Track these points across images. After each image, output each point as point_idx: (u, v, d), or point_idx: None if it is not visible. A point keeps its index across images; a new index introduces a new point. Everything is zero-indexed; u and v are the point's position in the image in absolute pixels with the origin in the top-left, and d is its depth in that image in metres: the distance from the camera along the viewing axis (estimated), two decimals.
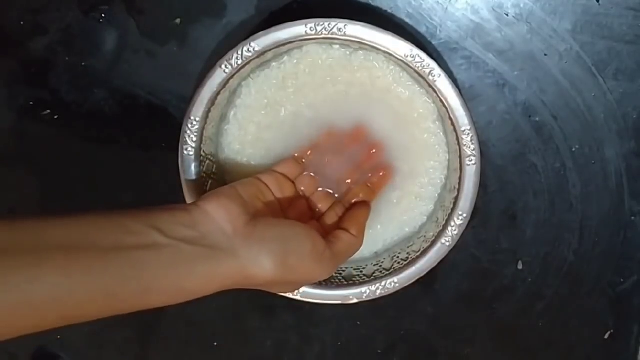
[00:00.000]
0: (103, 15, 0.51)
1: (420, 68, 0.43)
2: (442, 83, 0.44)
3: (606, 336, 0.56)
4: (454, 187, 0.46)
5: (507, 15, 0.50)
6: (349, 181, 0.47)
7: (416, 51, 0.43)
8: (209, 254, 0.34)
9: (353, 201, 0.46)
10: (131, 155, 0.54)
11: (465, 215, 0.46)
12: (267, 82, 0.48)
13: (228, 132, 0.49)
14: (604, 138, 0.52)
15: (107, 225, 0.33)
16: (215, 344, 0.57)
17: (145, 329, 0.57)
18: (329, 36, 0.43)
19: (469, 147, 0.45)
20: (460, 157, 0.45)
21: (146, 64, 0.52)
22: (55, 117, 0.53)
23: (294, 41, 0.44)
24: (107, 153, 0.54)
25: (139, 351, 0.57)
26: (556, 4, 0.50)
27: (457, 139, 0.45)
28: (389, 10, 0.50)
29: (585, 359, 0.56)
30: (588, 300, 0.55)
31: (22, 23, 0.52)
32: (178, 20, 0.51)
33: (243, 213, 0.36)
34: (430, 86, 0.44)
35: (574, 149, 0.52)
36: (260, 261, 0.35)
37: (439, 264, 0.47)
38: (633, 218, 0.53)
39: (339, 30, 0.43)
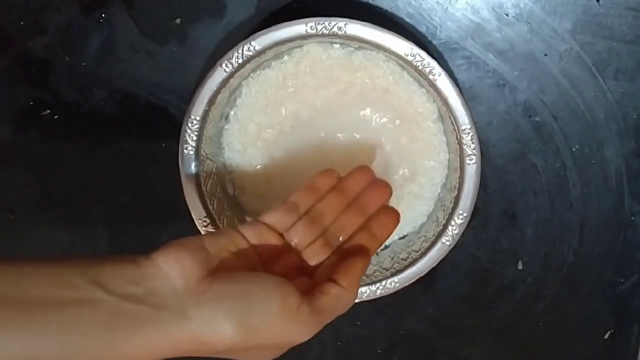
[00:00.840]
0: (103, 15, 0.51)
1: (420, 67, 0.43)
2: (442, 82, 0.44)
3: (606, 336, 0.56)
4: (454, 187, 0.46)
5: (507, 15, 0.50)
6: (350, 227, 0.40)
7: (416, 50, 0.43)
8: (154, 315, 0.30)
9: (348, 246, 0.39)
10: (131, 155, 0.54)
11: (465, 214, 0.46)
12: (267, 81, 0.48)
13: (228, 132, 0.49)
14: (604, 138, 0.52)
15: (43, 274, 0.29)
16: None
17: None
18: (329, 35, 0.43)
19: (469, 147, 0.44)
20: (460, 156, 0.45)
21: (146, 64, 0.52)
22: (55, 117, 0.53)
23: (294, 40, 0.44)
24: (107, 153, 0.54)
25: None
26: (556, 4, 0.50)
27: (457, 138, 0.45)
28: (389, 10, 0.50)
29: (585, 359, 0.56)
30: (588, 300, 0.55)
31: (22, 23, 0.52)
32: (178, 20, 0.51)
33: (198, 267, 0.32)
34: (430, 85, 0.44)
35: (574, 149, 0.52)
36: (216, 324, 0.31)
37: (439, 264, 0.47)
38: (633, 218, 0.53)
39: (339, 29, 0.43)
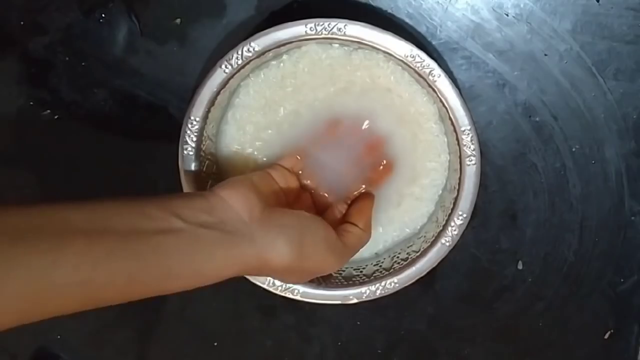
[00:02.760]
0: (103, 15, 0.51)
1: (420, 68, 0.43)
2: (442, 83, 0.44)
3: (606, 336, 0.56)
4: (454, 187, 0.46)
5: (507, 15, 0.50)
6: (349, 176, 0.47)
7: (416, 51, 0.43)
8: (227, 239, 0.34)
9: (355, 193, 0.46)
10: (131, 155, 0.54)
11: (465, 215, 0.46)
12: (266, 81, 0.48)
13: (227, 132, 0.49)
14: (604, 138, 0.52)
15: (126, 210, 0.33)
16: (215, 344, 0.57)
17: (145, 329, 0.57)
18: (329, 36, 0.43)
19: (469, 147, 0.45)
20: (460, 157, 0.45)
21: (146, 64, 0.52)
22: (55, 117, 0.53)
23: (294, 41, 0.44)
24: (107, 153, 0.54)
25: (139, 351, 0.57)
26: (556, 4, 0.50)
27: (457, 139, 0.45)
28: (389, 10, 0.50)
29: (585, 359, 0.56)
30: (588, 300, 0.55)
31: (22, 23, 0.52)
32: (178, 20, 0.51)
33: (259, 201, 0.37)
34: (430, 86, 0.44)
35: (574, 149, 0.52)
36: (277, 246, 0.36)
37: (439, 264, 0.47)
38: (633, 218, 0.53)
39: (339, 30, 0.43)
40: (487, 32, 0.51)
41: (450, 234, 0.46)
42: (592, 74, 0.51)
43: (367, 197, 0.46)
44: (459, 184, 0.45)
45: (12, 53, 0.52)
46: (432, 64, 0.43)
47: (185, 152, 0.46)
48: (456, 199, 0.46)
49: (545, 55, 0.51)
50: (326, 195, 0.46)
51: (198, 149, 0.46)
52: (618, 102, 0.51)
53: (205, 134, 0.46)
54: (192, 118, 0.45)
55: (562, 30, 0.50)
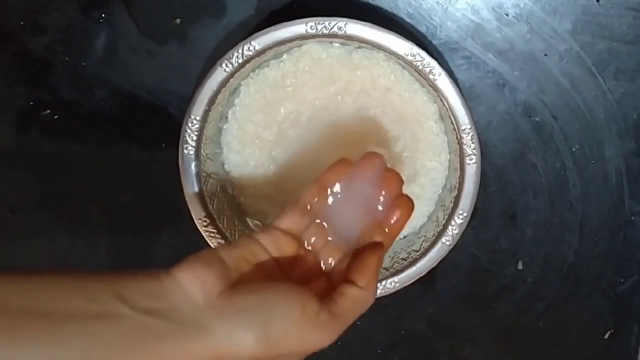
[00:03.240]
0: (103, 15, 0.51)
1: (420, 67, 0.43)
2: (442, 82, 0.44)
3: (606, 336, 0.56)
4: (454, 187, 0.46)
5: (507, 15, 0.50)
6: (361, 224, 0.38)
7: (416, 50, 0.43)
8: (177, 330, 0.30)
9: (362, 243, 0.38)
10: (131, 155, 0.54)
11: (465, 214, 0.46)
12: (266, 80, 0.48)
13: (227, 132, 0.49)
14: (604, 138, 0.52)
15: (65, 288, 0.30)
16: None
17: None
18: (329, 35, 0.43)
19: (470, 146, 0.44)
20: (460, 156, 0.45)
21: (146, 64, 0.52)
22: (55, 117, 0.53)
23: (295, 40, 0.44)
24: (107, 153, 0.54)
25: None
26: (556, 4, 0.50)
27: (457, 138, 0.45)
28: (389, 10, 0.50)
29: (585, 359, 0.56)
30: (588, 300, 0.55)
31: (22, 23, 0.52)
32: (178, 20, 0.51)
33: (218, 282, 0.32)
34: (430, 85, 0.44)
35: (574, 149, 0.52)
36: (237, 336, 0.31)
37: (439, 264, 0.47)
38: (633, 218, 0.53)
39: (339, 29, 0.43)
40: (487, 32, 0.51)
41: (450, 233, 0.46)
42: (592, 74, 0.51)
43: (374, 248, 0.37)
44: (459, 183, 0.45)
45: (12, 53, 0.52)
46: (433, 63, 0.43)
47: (185, 151, 0.46)
48: (457, 198, 0.46)
49: (545, 55, 0.51)
50: (334, 252, 0.38)
51: (198, 148, 0.46)
52: (618, 102, 0.51)
53: (205, 134, 0.46)
54: (192, 117, 0.45)
55: (562, 30, 0.50)
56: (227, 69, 0.44)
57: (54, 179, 0.55)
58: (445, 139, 0.48)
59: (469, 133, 0.44)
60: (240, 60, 0.44)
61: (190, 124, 0.45)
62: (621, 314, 0.55)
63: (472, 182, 0.45)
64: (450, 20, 0.50)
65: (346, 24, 0.43)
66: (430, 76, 0.44)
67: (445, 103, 0.44)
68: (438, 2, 0.50)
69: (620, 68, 0.51)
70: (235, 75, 0.45)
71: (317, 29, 0.43)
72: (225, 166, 0.50)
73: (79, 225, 0.55)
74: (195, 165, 0.46)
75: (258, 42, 0.44)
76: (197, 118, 0.45)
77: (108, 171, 0.54)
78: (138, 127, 0.53)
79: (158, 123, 0.53)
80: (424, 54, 0.43)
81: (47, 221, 0.55)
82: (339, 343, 0.57)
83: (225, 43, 0.51)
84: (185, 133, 0.45)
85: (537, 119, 0.52)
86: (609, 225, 0.54)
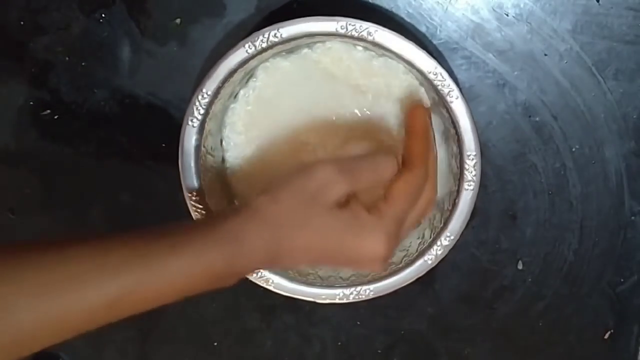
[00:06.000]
0: (103, 15, 0.51)
1: (439, 87, 0.43)
2: (458, 105, 0.44)
3: (606, 336, 0.56)
4: (447, 209, 0.46)
5: (507, 15, 0.50)
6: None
7: (440, 69, 0.43)
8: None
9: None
10: (131, 155, 0.54)
11: (452, 237, 0.46)
12: (281, 70, 0.47)
13: (234, 111, 0.49)
14: (604, 138, 0.52)
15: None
16: (215, 344, 0.57)
17: (145, 329, 0.57)
18: (357, 38, 0.43)
19: (471, 172, 0.44)
20: (459, 180, 0.45)
21: (146, 64, 0.52)
22: (55, 117, 0.53)
23: (322, 35, 0.44)
24: (107, 153, 0.54)
25: (139, 351, 0.57)
26: (556, 4, 0.50)
27: (459, 161, 0.45)
28: (389, 10, 0.50)
29: (585, 359, 0.56)
30: (588, 300, 0.55)
31: (22, 23, 0.52)
32: (178, 20, 0.51)
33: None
34: (444, 106, 0.44)
35: (574, 149, 0.52)
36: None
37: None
38: (633, 218, 0.53)
39: (369, 34, 0.43)
40: (487, 32, 0.51)
41: (434, 252, 0.46)
42: (592, 74, 0.51)
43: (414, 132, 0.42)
44: (452, 206, 0.45)
45: (12, 53, 0.52)
46: (452, 85, 0.43)
47: (189, 123, 0.45)
48: (447, 220, 0.46)
49: (545, 55, 0.51)
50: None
51: (203, 122, 0.45)
52: (618, 102, 0.51)
53: (212, 110, 0.46)
54: (204, 91, 0.45)
55: (562, 30, 0.50)
56: (250, 51, 0.44)
57: (54, 179, 0.55)
58: (445, 160, 0.48)
59: (473, 159, 0.44)
60: (264, 45, 0.43)
61: (200, 97, 0.45)
62: (621, 314, 0.55)
63: (466, 207, 0.45)
64: (450, 20, 0.50)
65: (376, 30, 0.43)
66: (448, 97, 0.43)
67: (456, 125, 0.44)
68: (438, 2, 0.50)
69: (620, 68, 0.51)
70: (255, 58, 0.44)
71: (347, 29, 0.43)
72: (226, 145, 0.49)
73: (79, 225, 0.55)
74: (196, 139, 0.46)
75: (286, 30, 0.43)
76: (209, 92, 0.45)
77: (108, 171, 0.54)
78: (138, 127, 0.53)
79: (158, 123, 0.53)
80: (445, 74, 0.43)
81: (47, 221, 0.55)
82: (339, 343, 0.57)
83: (225, 43, 0.51)
84: (193, 105, 0.45)
85: (537, 119, 0.52)
86: (609, 225, 0.54)
